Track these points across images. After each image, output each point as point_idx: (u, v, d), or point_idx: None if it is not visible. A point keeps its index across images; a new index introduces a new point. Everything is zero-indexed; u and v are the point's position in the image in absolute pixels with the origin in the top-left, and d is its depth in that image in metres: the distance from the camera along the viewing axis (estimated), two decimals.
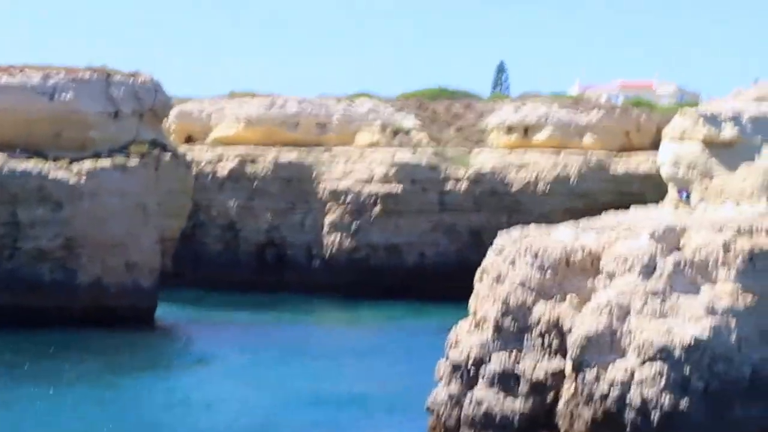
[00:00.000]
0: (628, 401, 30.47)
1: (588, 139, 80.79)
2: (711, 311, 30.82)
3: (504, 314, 32.88)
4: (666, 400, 30.16)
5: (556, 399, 32.03)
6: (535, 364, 32.34)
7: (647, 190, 78.33)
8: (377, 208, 79.63)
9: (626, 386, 30.60)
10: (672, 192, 35.31)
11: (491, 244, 75.82)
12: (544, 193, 79.59)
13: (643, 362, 30.63)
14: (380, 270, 79.74)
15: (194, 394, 46.79)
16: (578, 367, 31.37)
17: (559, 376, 32.04)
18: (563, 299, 32.53)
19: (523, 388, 32.17)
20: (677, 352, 30.39)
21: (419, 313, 72.04)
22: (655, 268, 31.80)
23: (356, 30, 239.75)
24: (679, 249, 32.33)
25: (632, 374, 30.67)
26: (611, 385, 30.70)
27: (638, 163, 79.72)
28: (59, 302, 62.30)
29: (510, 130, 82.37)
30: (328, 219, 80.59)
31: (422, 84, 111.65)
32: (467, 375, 32.97)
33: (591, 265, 32.99)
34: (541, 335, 32.44)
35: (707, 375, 30.42)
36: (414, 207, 79.93)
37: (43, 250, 62.94)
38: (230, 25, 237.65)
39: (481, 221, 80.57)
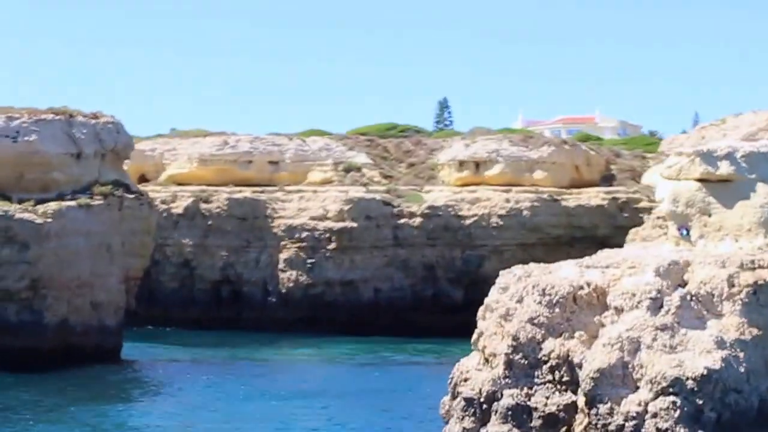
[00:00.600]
0: None
1: (538, 174, 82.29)
2: (720, 344, 31.81)
3: (514, 350, 33.63)
4: (680, 431, 31.05)
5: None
6: (546, 399, 33.08)
7: (599, 222, 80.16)
8: (332, 245, 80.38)
9: (641, 418, 31.43)
10: (672, 229, 36.44)
11: (445, 278, 77.51)
12: (497, 227, 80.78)
13: (657, 395, 31.50)
14: (336, 305, 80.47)
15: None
16: (591, 401, 32.19)
17: (570, 409, 32.82)
18: (572, 335, 33.37)
19: (536, 422, 32.90)
20: (690, 384, 31.29)
21: (377, 349, 72.67)
22: (662, 304, 32.77)
23: (303, 67, 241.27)
24: (683, 284, 33.34)
25: (646, 407, 31.52)
26: (626, 418, 31.54)
27: (589, 197, 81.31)
28: (26, 343, 62.02)
29: (461, 165, 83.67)
30: (283, 255, 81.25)
31: (369, 120, 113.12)
32: (480, 410, 33.66)
33: (597, 301, 33.88)
34: (552, 370, 33.22)
35: (719, 406, 31.37)
36: (368, 243, 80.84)
37: (9, 291, 62.69)
38: (174, 63, 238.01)
39: (434, 255, 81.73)
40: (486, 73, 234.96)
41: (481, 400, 33.70)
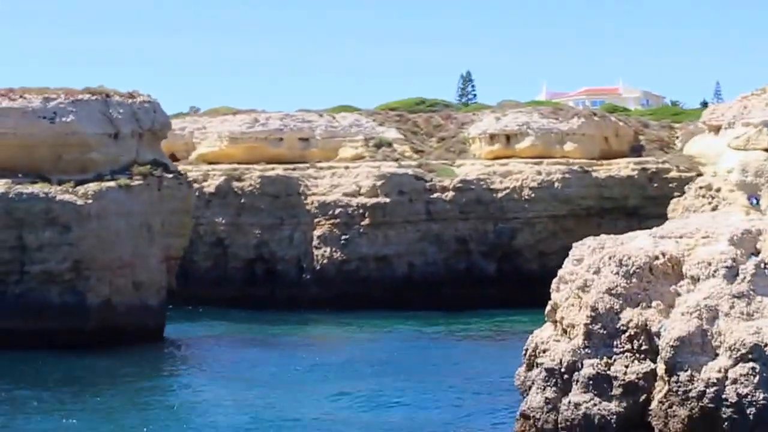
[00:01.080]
0: (724, 399, 31.53)
1: (569, 146, 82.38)
2: None
3: (593, 321, 33.83)
4: (760, 396, 31.29)
5: (648, 400, 32.98)
6: (626, 368, 33.29)
7: (629, 193, 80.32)
8: (365, 220, 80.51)
9: (721, 385, 31.67)
10: (742, 198, 36.68)
11: (478, 251, 77.59)
12: (529, 200, 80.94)
13: (736, 362, 31.72)
14: (370, 281, 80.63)
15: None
16: (671, 369, 32.39)
17: (650, 377, 33.04)
18: (649, 305, 33.56)
19: (617, 390, 33.12)
20: None
21: (415, 323, 72.91)
22: (737, 272, 32.97)
23: (330, 43, 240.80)
24: (756, 252, 33.56)
25: (726, 373, 31.74)
26: (706, 384, 31.75)
27: (619, 168, 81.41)
28: (70, 324, 62.21)
29: (492, 139, 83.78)
30: (317, 232, 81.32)
31: (393, 96, 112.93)
32: (561, 380, 33.89)
33: (672, 271, 34.09)
34: (630, 339, 33.42)
35: None
36: (401, 218, 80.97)
37: (52, 273, 62.86)
38: (202, 42, 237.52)
39: (467, 229, 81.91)
40: (509, 45, 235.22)
41: (562, 370, 33.91)
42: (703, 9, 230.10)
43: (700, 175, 75.92)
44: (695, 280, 33.50)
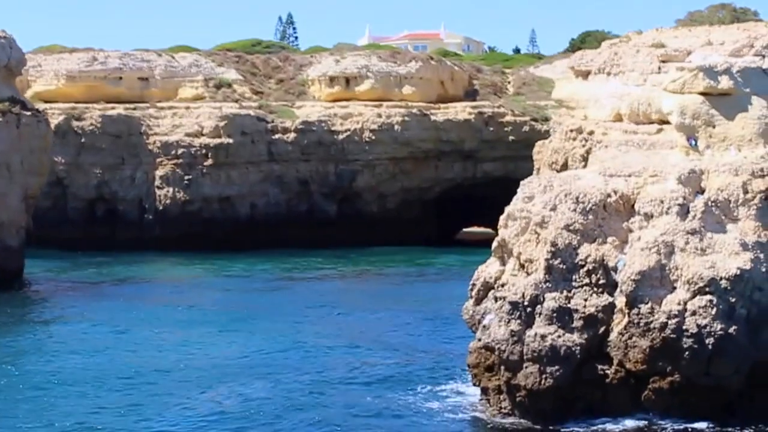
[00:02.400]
0: (684, 330, 33.82)
1: (407, 89, 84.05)
2: (744, 246, 34.52)
3: (553, 256, 35.58)
4: (717, 327, 33.70)
5: (606, 332, 35.01)
6: (585, 301, 35.23)
7: (465, 137, 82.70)
8: (208, 161, 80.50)
9: (681, 317, 33.98)
10: (681, 139, 38.75)
11: (319, 192, 78.63)
12: (370, 142, 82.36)
13: (694, 294, 34.06)
14: (213, 222, 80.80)
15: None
16: (632, 302, 34.49)
17: (608, 310, 35.05)
18: (605, 241, 35.57)
19: (577, 323, 35.03)
20: (723, 284, 33.94)
21: (258, 263, 73.78)
22: (688, 210, 35.32)
23: None
24: (701, 191, 35.97)
25: (685, 306, 34.06)
26: (668, 316, 33.99)
27: (456, 111, 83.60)
28: None
29: (332, 81, 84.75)
30: (159, 173, 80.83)
31: (224, 35, 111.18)
32: (525, 313, 35.56)
33: (623, 208, 36.23)
34: (588, 274, 35.35)
35: (748, 303, 34.20)
36: (244, 159, 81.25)
37: None
38: None
39: (308, 170, 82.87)
40: None
41: (525, 303, 35.49)
42: None
43: (535, 120, 79.06)
44: (648, 217, 35.62)
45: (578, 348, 34.86)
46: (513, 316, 35.82)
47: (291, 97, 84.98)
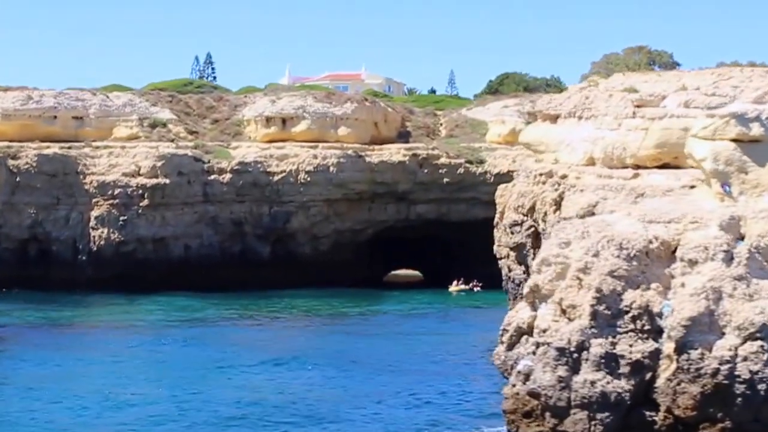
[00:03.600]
0: (737, 375, 34.50)
1: (342, 130, 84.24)
2: None
3: (598, 302, 36.05)
4: None
5: (653, 378, 35.52)
6: (630, 347, 35.74)
7: (400, 178, 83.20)
8: (145, 201, 79.60)
9: (733, 362, 34.67)
10: (716, 186, 39.57)
11: (253, 234, 78.31)
12: (305, 183, 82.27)
13: (745, 340, 34.83)
14: (147, 263, 79.87)
15: None
16: (681, 347, 35.09)
17: (654, 356, 35.60)
18: (648, 287, 36.17)
19: (624, 369, 35.49)
20: None
21: (189, 304, 73.45)
22: (732, 256, 36.15)
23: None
24: (741, 237, 36.90)
25: (736, 351, 34.78)
26: (720, 362, 34.64)
27: (391, 153, 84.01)
28: None
29: (268, 122, 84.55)
30: (95, 213, 79.65)
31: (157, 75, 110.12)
32: (571, 359, 35.91)
33: (664, 255, 36.90)
34: (634, 320, 35.90)
35: None
36: (180, 199, 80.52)
37: None
38: None
39: (243, 211, 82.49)
40: (250, 29, 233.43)
41: (571, 349, 35.81)
42: (441, 1, 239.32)
43: (470, 162, 79.88)
44: (693, 263, 36.29)
45: (627, 394, 35.25)
46: (559, 362, 36.10)
47: (227, 138, 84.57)
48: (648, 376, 35.57)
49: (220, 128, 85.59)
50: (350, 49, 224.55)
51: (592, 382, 35.38)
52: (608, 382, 35.32)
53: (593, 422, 35.09)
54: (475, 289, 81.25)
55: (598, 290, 36.18)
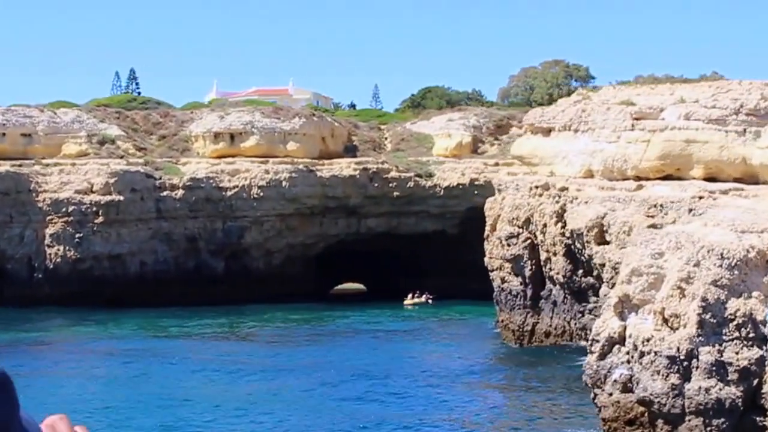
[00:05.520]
0: None
1: (291, 145, 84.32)
2: None
3: (704, 311, 37.28)
4: None
5: (759, 384, 36.87)
6: (736, 354, 37.05)
7: (351, 193, 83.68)
8: (99, 218, 78.53)
9: None
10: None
11: (207, 249, 78.10)
12: (258, 198, 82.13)
13: None
14: (104, 280, 78.87)
15: None
16: None
17: (759, 362, 36.97)
18: (750, 295, 37.55)
19: (732, 375, 36.78)
20: None
21: (147, 322, 72.91)
22: None
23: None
24: None
25: None
26: None
27: (341, 167, 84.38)
28: None
29: (216, 137, 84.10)
30: (50, 230, 78.25)
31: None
32: (682, 367, 37.03)
33: (761, 263, 38.35)
34: (738, 328, 37.21)
35: None
36: (134, 216, 79.66)
37: None
38: None
39: (196, 227, 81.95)
40: (175, 45, 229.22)
41: (681, 357, 36.93)
42: (364, 17, 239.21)
43: (420, 176, 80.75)
44: None
45: (740, 400, 36.48)
46: (671, 370, 37.15)
47: (175, 153, 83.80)
48: (755, 382, 36.85)
49: (168, 144, 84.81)
50: (278, 63, 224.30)
51: (707, 389, 36.49)
52: (721, 389, 36.49)
53: (709, 428, 36.24)
54: (429, 301, 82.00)
55: (703, 299, 37.32)
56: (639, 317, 39.82)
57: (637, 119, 58.86)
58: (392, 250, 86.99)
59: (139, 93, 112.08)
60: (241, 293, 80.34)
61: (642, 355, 38.25)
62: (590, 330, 55.62)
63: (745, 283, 37.75)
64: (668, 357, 37.20)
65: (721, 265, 37.67)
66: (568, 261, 59.38)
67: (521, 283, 62.78)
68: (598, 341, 40.13)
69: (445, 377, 54.14)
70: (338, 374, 54.86)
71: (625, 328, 40.28)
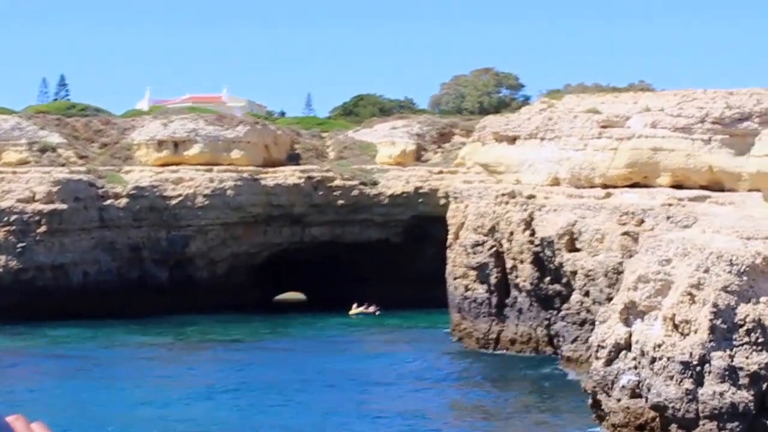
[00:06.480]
0: None
1: (235, 153, 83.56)
2: None
3: (715, 316, 37.64)
4: None
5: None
6: (746, 359, 37.48)
7: (295, 201, 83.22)
8: (42, 228, 77.02)
9: None
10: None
11: (150, 259, 77.28)
12: (202, 207, 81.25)
13: None
14: (46, 291, 77.37)
15: None
16: None
17: (767, 367, 37.45)
18: (758, 300, 38.01)
19: (743, 380, 37.20)
20: None
21: (94, 334, 71.81)
22: None
23: None
24: None
25: None
26: None
27: (285, 176, 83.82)
28: None
29: (160, 145, 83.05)
30: None
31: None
32: (695, 372, 37.34)
33: (766, 270, 38.86)
34: (748, 333, 37.64)
35: None
36: (77, 225, 78.29)
37: None
38: None
39: (140, 236, 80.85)
40: (106, 52, 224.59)
41: (694, 363, 37.26)
42: (296, 26, 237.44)
43: (364, 184, 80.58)
44: None
45: (752, 404, 36.89)
46: (685, 375, 37.43)
47: (117, 162, 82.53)
48: (764, 386, 37.28)
49: (110, 152, 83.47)
50: (211, 71, 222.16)
51: (721, 394, 36.81)
52: (734, 393, 36.85)
53: None
54: (375, 312, 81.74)
55: (714, 305, 37.66)
56: (645, 323, 40.05)
57: (603, 127, 59.32)
58: (336, 259, 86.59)
59: (69, 100, 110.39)
60: (185, 303, 79.36)
61: (653, 360, 38.46)
62: (563, 337, 56.07)
63: (753, 288, 38.16)
64: (682, 362, 37.46)
65: (730, 272, 38.02)
66: (536, 268, 59.58)
67: (486, 291, 62.86)
68: (604, 347, 40.28)
69: (405, 384, 54.38)
70: (296, 383, 54.73)
71: (630, 335, 40.49)
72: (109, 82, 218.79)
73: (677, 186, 56.13)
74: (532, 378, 55.44)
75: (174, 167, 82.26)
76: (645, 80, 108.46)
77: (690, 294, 38.28)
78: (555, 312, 58.42)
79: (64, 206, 77.28)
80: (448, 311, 69.82)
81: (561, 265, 56.36)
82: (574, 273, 55.24)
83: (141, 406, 49.55)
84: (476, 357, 61.81)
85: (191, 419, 47.20)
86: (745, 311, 37.60)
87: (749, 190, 52.69)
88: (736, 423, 36.41)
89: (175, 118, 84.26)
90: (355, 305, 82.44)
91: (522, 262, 60.17)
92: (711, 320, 37.53)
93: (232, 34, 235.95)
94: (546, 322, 59.97)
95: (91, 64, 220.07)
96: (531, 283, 59.75)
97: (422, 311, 78.47)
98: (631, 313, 40.34)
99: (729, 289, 37.76)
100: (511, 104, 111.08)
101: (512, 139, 62.94)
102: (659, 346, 38.54)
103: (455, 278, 65.06)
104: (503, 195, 61.75)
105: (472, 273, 63.42)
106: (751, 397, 36.80)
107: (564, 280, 57.14)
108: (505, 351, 61.31)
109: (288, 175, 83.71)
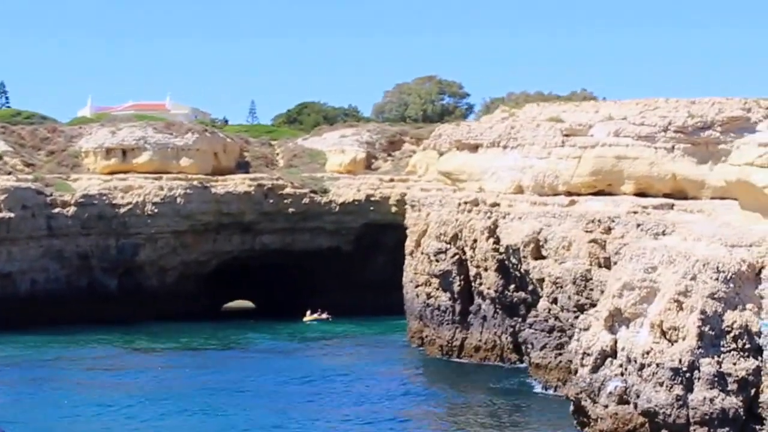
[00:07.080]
0: None
1: (184, 161, 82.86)
2: None
3: (703, 323, 37.76)
4: None
5: (756, 393, 37.49)
6: (734, 365, 37.63)
7: (245, 209, 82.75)
8: None
9: None
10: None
11: (99, 267, 76.44)
12: (152, 215, 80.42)
13: None
14: None
15: None
16: None
17: (756, 373, 37.61)
18: (744, 307, 38.18)
19: (732, 386, 37.34)
20: None
21: (44, 343, 70.77)
22: None
23: None
24: None
25: None
26: None
27: (236, 184, 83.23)
28: None
29: (108, 153, 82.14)
30: None
31: None
32: (685, 379, 37.43)
33: (751, 277, 39.05)
34: (735, 339, 37.80)
35: None
36: (25, 234, 77.14)
37: None
38: None
39: (89, 245, 79.93)
40: (49, 58, 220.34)
41: (684, 369, 37.37)
42: (239, 35, 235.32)
43: (315, 192, 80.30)
44: None
45: (741, 409, 37.05)
46: (675, 381, 37.52)
47: (65, 170, 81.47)
48: (752, 392, 37.43)
49: (57, 160, 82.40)
50: (154, 78, 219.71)
51: (711, 400, 36.91)
52: (723, 399, 36.96)
53: None
54: (328, 318, 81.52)
55: (702, 312, 37.76)
56: (631, 330, 40.10)
57: (567, 136, 59.40)
58: (286, 267, 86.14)
59: (9, 107, 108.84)
60: (134, 311, 78.67)
61: (642, 367, 38.49)
62: (531, 344, 56.04)
63: (740, 295, 38.26)
64: (671, 369, 37.51)
65: (717, 279, 38.11)
66: (500, 276, 59.52)
67: (450, 299, 62.75)
68: (590, 354, 40.30)
69: (367, 393, 54.09)
70: (250, 389, 54.63)
71: (616, 342, 40.54)
72: (49, 90, 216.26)
73: (641, 194, 56.29)
74: (497, 385, 55.36)
75: (123, 175, 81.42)
76: (587, 89, 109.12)
77: (677, 301, 38.35)
78: (520, 319, 58.33)
79: (11, 214, 76.00)
80: (403, 318, 69.67)
81: (527, 272, 56.30)
82: (541, 280, 55.17)
83: (88, 413, 48.91)
84: (439, 364, 61.66)
85: (138, 426, 46.59)
86: (732, 318, 37.70)
87: (712, 198, 52.97)
88: (727, 429, 36.52)
89: (123, 125, 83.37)
90: (308, 312, 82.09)
91: (486, 269, 60.10)
92: (699, 327, 37.60)
93: (174, 42, 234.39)
94: (511, 330, 59.90)
95: (30, 71, 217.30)
96: (495, 291, 59.69)
97: (374, 318, 78.41)
98: (616, 320, 40.36)
99: (716, 296, 37.83)
100: (455, 112, 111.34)
101: (474, 147, 62.88)
102: (648, 352, 38.57)
103: (417, 286, 64.87)
104: (466, 203, 61.67)
105: (435, 281, 63.28)
106: (740, 403, 36.89)
107: (530, 288, 57.09)
108: (469, 359, 61.17)
109: (238, 183, 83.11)
